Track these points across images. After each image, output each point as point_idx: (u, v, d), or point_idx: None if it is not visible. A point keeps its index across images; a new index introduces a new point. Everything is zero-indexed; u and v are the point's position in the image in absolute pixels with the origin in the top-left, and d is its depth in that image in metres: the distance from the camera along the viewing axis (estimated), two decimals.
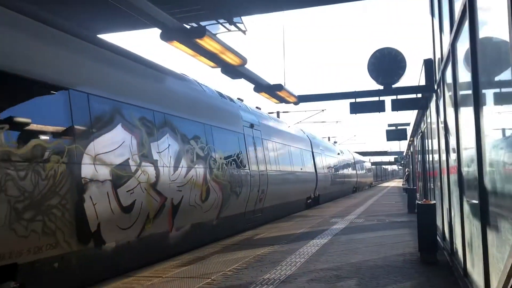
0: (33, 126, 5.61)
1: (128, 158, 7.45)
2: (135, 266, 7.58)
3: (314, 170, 22.49)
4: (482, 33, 4.06)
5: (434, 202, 8.44)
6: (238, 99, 14.83)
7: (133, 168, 7.51)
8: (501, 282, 3.15)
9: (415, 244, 8.18)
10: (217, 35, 8.06)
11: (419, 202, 8.10)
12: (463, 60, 5.11)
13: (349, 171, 36.61)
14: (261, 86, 11.00)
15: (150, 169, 8.03)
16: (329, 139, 45.97)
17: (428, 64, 9.68)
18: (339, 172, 31.47)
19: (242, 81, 10.54)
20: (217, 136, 11.32)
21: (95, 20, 9.60)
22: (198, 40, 7.37)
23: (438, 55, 8.15)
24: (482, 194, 4.10)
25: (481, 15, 4.06)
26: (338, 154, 32.67)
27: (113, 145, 7.14)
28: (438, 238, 8.28)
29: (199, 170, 9.96)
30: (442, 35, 7.26)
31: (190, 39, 7.33)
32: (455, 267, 6.56)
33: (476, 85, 4.21)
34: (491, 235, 3.93)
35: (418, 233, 7.71)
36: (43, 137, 5.76)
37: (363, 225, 12.85)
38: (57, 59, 6.38)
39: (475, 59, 4.21)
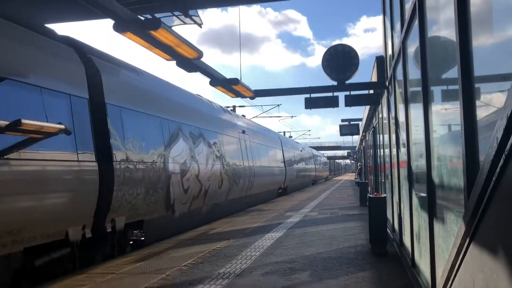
0: (150, 143, 9.84)
1: (186, 159, 11.68)
2: (187, 228, 11.53)
3: (284, 166, 26.70)
4: (431, 32, 4.20)
5: (385, 195, 8.70)
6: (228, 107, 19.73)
7: (188, 165, 11.75)
8: (446, 271, 3.30)
9: (366, 236, 8.42)
10: (173, 28, 7.92)
11: (371, 196, 8.32)
12: (413, 58, 5.27)
13: (309, 165, 40.68)
14: (217, 80, 10.92)
15: (195, 166, 12.26)
16: (284, 134, 47.08)
17: (380, 61, 9.95)
18: (302, 167, 35.51)
19: (198, 74, 10.43)
20: (226, 140, 15.64)
21: (43, 8, 9.19)
22: (152, 32, 7.22)
23: (389, 53, 8.38)
24: (430, 188, 4.26)
25: (430, 15, 4.19)
26: (301, 151, 36.45)
27: (179, 151, 11.34)
28: (388, 230, 8.55)
29: (217, 166, 14.21)
30: (394, 33, 7.47)
31: (144, 30, 7.16)
32: (404, 257, 6.80)
33: (425, 82, 4.36)
34: (437, 227, 4.09)
35: (369, 226, 7.93)
36: (157, 148, 10.13)
37: (316, 218, 13.08)
38: (176, 108, 11.87)
39: (424, 57, 4.34)
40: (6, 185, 5.73)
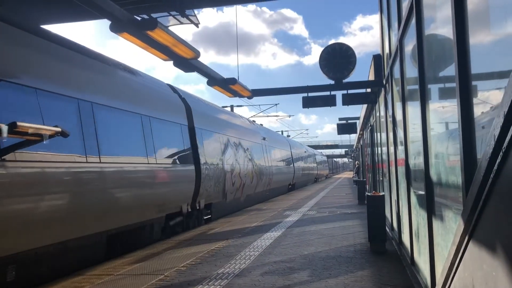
0: (215, 152, 14.32)
1: (233, 162, 16.14)
2: (232, 211, 15.83)
3: (292, 166, 31.40)
4: (428, 30, 4.20)
5: (383, 193, 8.70)
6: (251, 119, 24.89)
7: (234, 166, 16.15)
8: (445, 268, 3.30)
9: (365, 235, 8.43)
10: (169, 28, 7.91)
11: (369, 194, 8.33)
12: (410, 56, 5.28)
13: (312, 165, 45.18)
14: (214, 80, 10.91)
15: (237, 166, 16.75)
16: (282, 133, 47.88)
17: (377, 60, 9.96)
18: (307, 166, 40.31)
19: (196, 74, 10.43)
20: (253, 146, 20.42)
21: (39, 9, 9.16)
22: (149, 32, 7.21)
23: (386, 51, 8.38)
24: (428, 185, 4.26)
25: (427, 13, 4.20)
26: (305, 152, 40.88)
27: (229, 156, 15.76)
28: (387, 228, 8.56)
29: (249, 166, 18.77)
30: (391, 31, 7.47)
31: (141, 31, 7.15)
32: (403, 256, 6.81)
33: (422, 80, 4.36)
34: (436, 225, 4.09)
35: (368, 224, 7.93)
36: (218, 154, 14.44)
37: (315, 217, 13.08)
38: (215, 121, 15.57)
39: (421, 55, 4.35)
40: (163, 180, 10.24)
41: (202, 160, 12.62)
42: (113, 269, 7.00)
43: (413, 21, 4.57)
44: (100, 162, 7.73)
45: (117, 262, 7.56)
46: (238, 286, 5.76)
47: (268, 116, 44.16)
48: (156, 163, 9.89)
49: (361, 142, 28.26)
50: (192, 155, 12.02)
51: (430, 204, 4.25)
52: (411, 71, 5.26)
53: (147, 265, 7.26)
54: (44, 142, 6.01)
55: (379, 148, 11.74)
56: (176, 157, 11.00)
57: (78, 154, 7.15)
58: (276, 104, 35.85)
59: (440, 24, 3.77)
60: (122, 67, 9.66)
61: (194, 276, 6.34)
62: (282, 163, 27.61)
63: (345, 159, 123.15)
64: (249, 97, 12.80)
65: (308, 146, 55.42)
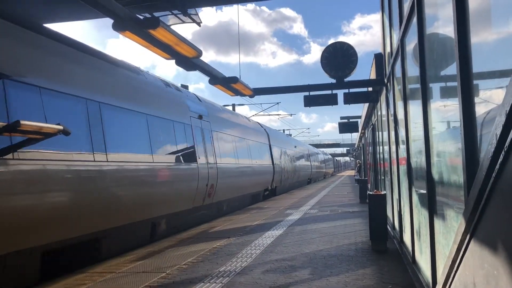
0: (280, 157, 26.42)
1: (284, 162, 25.97)
2: (283, 192, 25.70)
3: (310, 165, 40.61)
4: (429, 29, 4.20)
5: (385, 192, 8.71)
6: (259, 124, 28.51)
7: (284, 165, 25.85)
8: (446, 267, 3.31)
9: (367, 234, 8.44)
10: (172, 27, 7.91)
11: (370, 193, 8.33)
12: (411, 55, 5.27)
13: (322, 164, 54.62)
14: (216, 78, 10.92)
15: (285, 165, 26.23)
16: (283, 131, 49.66)
17: (379, 59, 9.96)
18: (318, 165, 49.12)
19: (197, 73, 10.43)
20: (290, 153, 29.71)
21: (41, 8, 9.16)
22: (151, 31, 7.22)
23: (388, 50, 8.38)
24: (430, 184, 4.27)
25: (428, 11, 4.20)
26: (317, 154, 51.28)
27: (283, 158, 26.10)
28: (388, 227, 8.56)
29: (290, 165, 28.24)
30: (392, 30, 7.47)
31: (143, 29, 7.16)
32: (404, 254, 6.81)
33: (423, 79, 4.36)
34: (438, 223, 4.10)
35: (369, 223, 7.94)
36: (281, 157, 26.72)
37: (316, 216, 13.09)
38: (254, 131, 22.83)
39: (422, 54, 4.35)
40: (262, 173, 21.03)
41: (274, 162, 23.32)
42: (115, 267, 7.02)
43: (415, 19, 4.57)
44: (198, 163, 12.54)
45: (119, 260, 7.58)
46: (240, 284, 5.77)
47: (269, 115, 44.48)
48: (257, 164, 19.82)
49: (362, 141, 28.25)
50: (272, 159, 23.04)
51: (431, 203, 4.25)
52: (413, 70, 5.26)
53: (149, 262, 7.27)
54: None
55: (381, 147, 11.74)
56: (265, 160, 21.72)
57: (148, 154, 9.56)
58: (277, 103, 35.90)
59: (441, 22, 3.77)
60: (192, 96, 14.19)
61: (196, 274, 6.36)
62: (304, 164, 36.99)
63: (347, 158, 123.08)
64: (251, 96, 12.80)
65: (310, 144, 57.45)
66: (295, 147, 33.38)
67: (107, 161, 7.93)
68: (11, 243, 6.01)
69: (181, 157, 11.32)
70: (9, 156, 5.73)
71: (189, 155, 11.84)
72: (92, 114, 7.74)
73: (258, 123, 24.79)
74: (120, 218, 8.48)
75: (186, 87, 15.10)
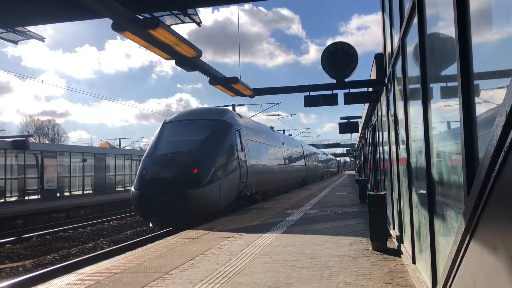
0: (314, 161, 47.23)
1: (310, 163, 41.76)
2: (309, 183, 40.09)
3: (322, 165, 54.18)
4: (430, 29, 4.20)
5: (385, 192, 8.70)
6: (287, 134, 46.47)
7: (310, 165, 41.24)
8: (447, 267, 3.30)
9: (367, 234, 8.43)
10: (171, 27, 7.91)
11: (370, 193, 8.33)
12: (412, 55, 5.27)
13: (330, 164, 69.97)
14: (216, 79, 10.92)
15: (310, 165, 41.52)
16: (284, 132, 50.99)
17: (379, 59, 9.94)
18: (327, 165, 62.66)
19: (197, 73, 10.43)
20: (313, 156, 45.82)
21: (40, 8, 9.16)
22: (151, 31, 7.22)
23: (388, 50, 8.38)
24: (430, 184, 4.26)
25: (429, 11, 4.19)
26: (326, 156, 64.98)
27: (311, 161, 43.54)
28: (388, 227, 8.56)
29: (313, 165, 44.22)
30: (393, 30, 7.46)
31: (143, 30, 7.16)
32: (404, 254, 6.81)
33: (424, 79, 4.36)
34: (438, 224, 4.09)
35: (369, 223, 7.94)
36: (315, 162, 48.63)
37: (317, 216, 13.09)
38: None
39: (423, 54, 4.35)
40: (298, 171, 34.26)
41: (307, 164, 37.86)
42: (115, 267, 7.03)
43: (415, 20, 4.57)
44: (287, 165, 28.24)
45: (119, 261, 7.59)
46: (239, 284, 5.77)
47: (269, 115, 45.78)
48: (306, 165, 37.15)
49: (362, 141, 28.25)
50: (304, 162, 36.47)
51: (431, 203, 4.25)
52: (413, 70, 5.25)
53: (149, 263, 7.28)
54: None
55: (381, 147, 11.74)
56: (301, 162, 34.86)
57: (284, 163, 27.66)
58: (278, 103, 36.02)
59: (442, 22, 3.77)
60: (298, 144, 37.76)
61: (195, 274, 6.35)
62: (318, 164, 49.89)
63: (347, 158, 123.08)
64: (251, 96, 12.80)
65: (311, 145, 59.38)
66: (315, 153, 49.67)
67: (270, 165, 23.03)
68: (261, 188, 20.67)
69: (294, 163, 32.27)
70: (254, 162, 18.97)
71: (299, 161, 34.92)
72: (270, 148, 23.69)
73: (296, 139, 41.42)
74: (281, 184, 26.48)
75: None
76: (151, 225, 16.07)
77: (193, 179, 14.25)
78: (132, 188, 15.19)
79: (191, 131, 16.37)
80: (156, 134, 16.71)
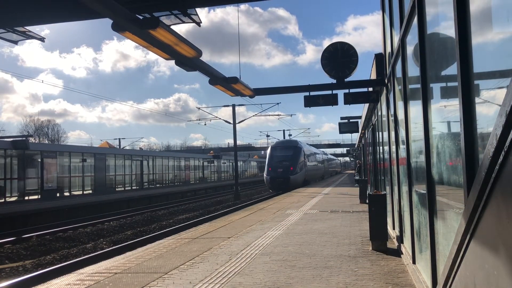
0: (328, 163, 72.58)
1: (325, 165, 62.90)
2: (324, 177, 60.48)
3: (331, 165, 72.43)
4: (430, 29, 4.20)
5: (385, 192, 8.70)
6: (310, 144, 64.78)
7: (326, 166, 62.30)
8: (447, 267, 3.30)
9: (367, 234, 8.43)
10: (171, 27, 7.90)
11: (370, 193, 8.33)
12: (412, 55, 5.27)
13: (335, 164, 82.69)
14: (216, 79, 10.91)
15: (322, 166, 57.55)
16: (284, 132, 56.43)
17: (379, 59, 9.93)
18: (333, 165, 77.15)
19: (197, 73, 10.42)
20: (328, 159, 68.66)
21: (40, 8, 9.15)
22: (151, 31, 7.20)
23: (388, 50, 8.37)
24: (430, 184, 4.26)
25: (429, 11, 4.19)
26: (333, 158, 76.53)
27: (328, 163, 66.67)
28: (388, 227, 8.56)
29: (329, 165, 67.06)
30: (393, 30, 7.46)
31: (143, 30, 7.15)
32: (405, 254, 6.80)
33: (424, 79, 4.35)
34: (438, 224, 4.09)
35: (369, 223, 7.94)
36: (323, 163, 64.29)
37: (317, 216, 13.09)
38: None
39: (423, 54, 4.34)
40: (319, 169, 54.30)
41: (324, 163, 57.94)
42: (115, 267, 7.02)
43: (415, 19, 4.57)
44: (319, 165, 53.43)
45: (119, 261, 7.58)
46: (239, 284, 5.77)
47: (269, 115, 46.16)
48: (324, 165, 57.83)
49: (362, 141, 28.23)
50: (323, 163, 56.69)
51: (431, 203, 4.25)
52: (413, 70, 5.25)
53: (148, 263, 7.27)
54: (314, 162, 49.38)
55: (381, 147, 11.73)
56: (322, 164, 55.95)
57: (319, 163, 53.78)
58: (277, 103, 36.30)
59: (442, 22, 3.76)
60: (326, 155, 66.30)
61: (195, 274, 6.35)
62: (329, 164, 64.14)
63: (347, 158, 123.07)
64: (251, 96, 12.79)
65: (311, 145, 62.96)
66: (329, 156, 66.68)
67: (316, 165, 50.53)
68: (311, 178, 44.98)
69: (331, 165, 72.52)
70: (309, 164, 44.45)
71: (323, 164, 58.20)
72: (313, 157, 49.32)
73: (322, 150, 60.99)
74: (318, 177, 51.22)
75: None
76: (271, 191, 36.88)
77: (291, 171, 35.33)
78: (265, 175, 36.63)
79: (285, 150, 37.67)
80: (269, 151, 38.56)
